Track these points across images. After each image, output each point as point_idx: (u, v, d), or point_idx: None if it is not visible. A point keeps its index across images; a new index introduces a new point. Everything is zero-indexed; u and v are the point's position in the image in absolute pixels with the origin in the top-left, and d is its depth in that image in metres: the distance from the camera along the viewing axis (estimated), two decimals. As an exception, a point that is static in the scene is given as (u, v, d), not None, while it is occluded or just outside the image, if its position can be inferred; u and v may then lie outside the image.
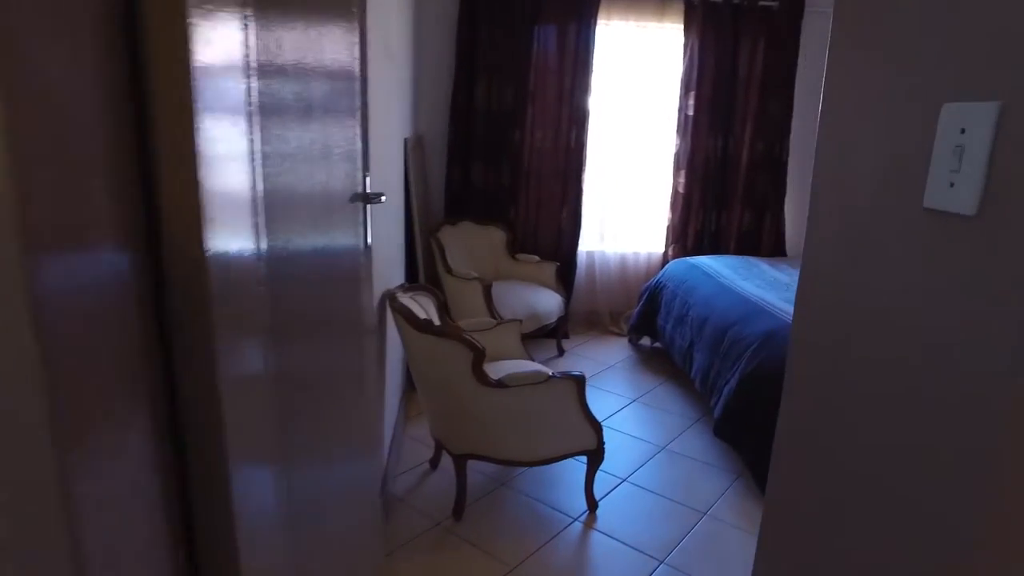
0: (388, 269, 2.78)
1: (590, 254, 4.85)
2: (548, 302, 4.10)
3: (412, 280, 3.79)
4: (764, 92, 4.63)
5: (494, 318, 3.74)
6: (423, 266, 3.88)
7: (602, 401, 3.72)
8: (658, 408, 3.65)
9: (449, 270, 3.92)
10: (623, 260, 4.92)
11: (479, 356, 2.28)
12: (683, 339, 3.70)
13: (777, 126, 4.68)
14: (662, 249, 4.87)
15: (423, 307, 2.73)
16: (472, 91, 4.36)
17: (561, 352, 4.39)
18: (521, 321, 3.08)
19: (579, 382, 2.47)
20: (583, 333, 4.84)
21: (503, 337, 3.02)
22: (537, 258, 4.36)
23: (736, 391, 2.91)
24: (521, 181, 4.53)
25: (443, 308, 2.83)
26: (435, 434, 2.63)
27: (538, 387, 2.40)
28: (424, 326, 2.29)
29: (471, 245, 4.33)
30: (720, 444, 3.19)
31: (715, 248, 4.79)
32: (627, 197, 4.90)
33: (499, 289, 4.04)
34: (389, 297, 2.49)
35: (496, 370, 2.72)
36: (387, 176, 2.71)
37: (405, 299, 2.57)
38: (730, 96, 4.64)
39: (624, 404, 3.70)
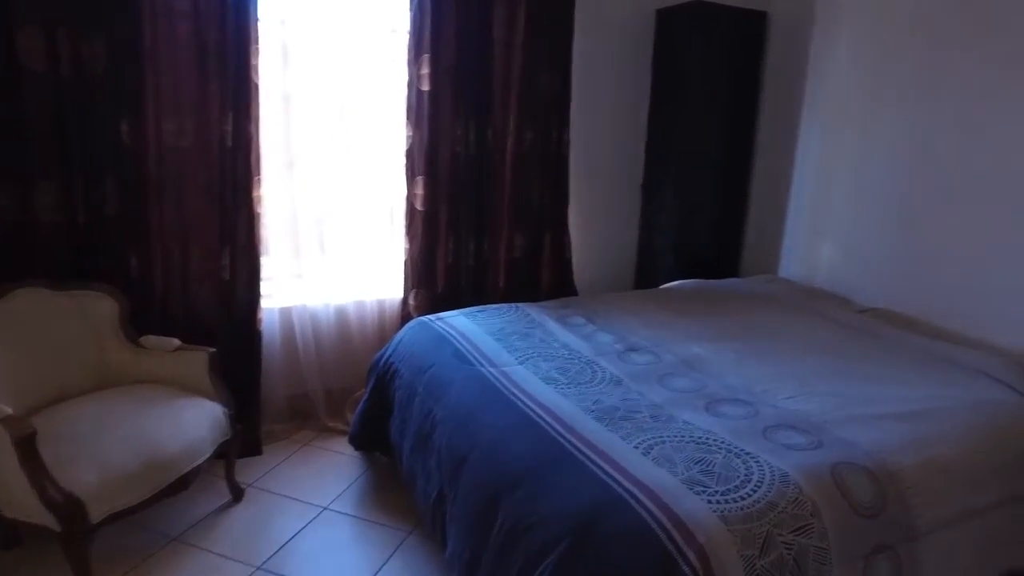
0: None
1: (285, 312, 3.07)
2: (192, 427, 2.26)
3: None
4: (531, 60, 3.19)
5: (48, 494, 1.85)
6: None
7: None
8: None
9: (-37, 398, 1.93)
10: (343, 315, 3.22)
11: None
12: (428, 481, 2.11)
13: (552, 108, 3.27)
14: (401, 295, 3.25)
15: None
16: (12, 44, 2.33)
17: (238, 495, 2.58)
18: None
19: None
20: (285, 438, 3.06)
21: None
22: (176, 342, 2.49)
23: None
24: (144, 206, 2.61)
25: None
26: None
27: None
28: None
29: (42, 333, 2.34)
30: None
31: (478, 291, 3.27)
32: (340, 220, 3.20)
33: (89, 415, 2.13)
34: None
35: None
36: None
37: None
38: (484, 65, 3.13)
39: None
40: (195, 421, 2.28)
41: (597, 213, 3.70)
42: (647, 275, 3.77)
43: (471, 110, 3.12)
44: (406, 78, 3.05)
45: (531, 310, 2.80)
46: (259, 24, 2.65)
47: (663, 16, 3.52)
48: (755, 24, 3.50)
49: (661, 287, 3.43)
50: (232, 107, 2.64)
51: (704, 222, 3.63)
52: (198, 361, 2.46)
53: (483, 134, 3.16)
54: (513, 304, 2.90)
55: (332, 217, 3.17)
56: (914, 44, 2.83)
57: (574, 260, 3.53)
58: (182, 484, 2.18)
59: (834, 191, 3.26)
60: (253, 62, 2.65)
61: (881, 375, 2.26)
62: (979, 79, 2.57)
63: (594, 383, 2.11)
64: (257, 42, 2.66)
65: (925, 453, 1.79)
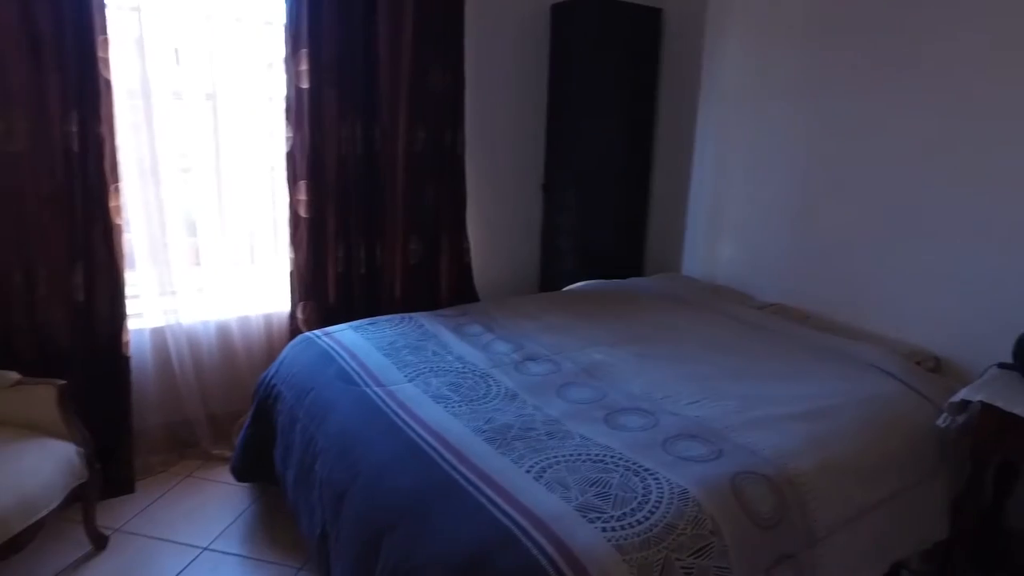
0: None
1: (158, 332, 2.79)
2: (31, 475, 1.97)
3: None
4: (420, 56, 3.02)
5: None
6: None
7: None
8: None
9: None
10: (225, 332, 2.95)
11: None
12: (311, 516, 1.91)
13: (445, 106, 3.12)
14: (288, 308, 3.02)
15: None
16: None
17: (100, 543, 2.29)
18: None
19: None
20: (163, 471, 2.78)
21: None
22: (15, 376, 2.18)
23: None
24: (-29, 220, 2.29)
25: None
26: None
27: None
28: None
29: None
30: None
31: (373, 300, 3.08)
32: (217, 229, 2.93)
33: None
34: None
35: None
36: None
37: None
38: (369, 60, 2.94)
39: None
40: (35, 467, 1.99)
41: (498, 215, 3.57)
42: (551, 277, 3.67)
43: (357, 109, 2.92)
44: (284, 75, 2.81)
45: (425, 320, 2.64)
46: (106, 11, 2.37)
47: (558, 11, 3.43)
48: (650, 21, 3.46)
49: (564, 289, 3.34)
50: (76, 105, 2.34)
51: (607, 221, 3.57)
52: (45, 396, 2.16)
53: (371, 134, 2.97)
54: (407, 314, 2.72)
55: (207, 226, 2.90)
56: (798, 44, 2.85)
57: (475, 265, 3.40)
58: (18, 544, 1.88)
59: (731, 188, 3.26)
60: (101, 55, 2.36)
61: (779, 373, 2.24)
62: (859, 79, 2.60)
63: (488, 399, 1.97)
64: (105, 32, 2.37)
65: (821, 454, 1.76)
